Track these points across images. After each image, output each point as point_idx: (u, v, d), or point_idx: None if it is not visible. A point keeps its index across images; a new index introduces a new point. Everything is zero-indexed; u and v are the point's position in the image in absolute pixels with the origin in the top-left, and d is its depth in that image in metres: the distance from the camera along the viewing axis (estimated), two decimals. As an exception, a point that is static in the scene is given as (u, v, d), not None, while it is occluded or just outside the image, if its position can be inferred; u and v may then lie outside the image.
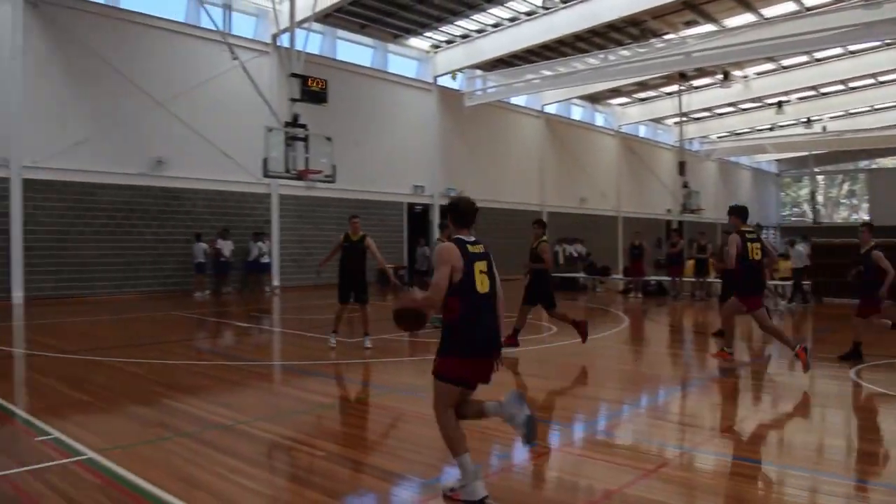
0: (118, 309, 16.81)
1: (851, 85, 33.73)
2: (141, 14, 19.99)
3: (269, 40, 22.61)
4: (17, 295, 17.66)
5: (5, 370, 9.42)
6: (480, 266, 4.54)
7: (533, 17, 24.32)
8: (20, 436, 6.14)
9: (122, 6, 19.71)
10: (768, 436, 6.41)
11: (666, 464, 5.39)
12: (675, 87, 31.11)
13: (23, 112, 17.72)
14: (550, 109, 34.37)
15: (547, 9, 23.00)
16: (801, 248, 18.87)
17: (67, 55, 18.57)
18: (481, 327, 4.46)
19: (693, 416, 7.18)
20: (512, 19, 24.88)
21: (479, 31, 26.09)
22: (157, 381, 8.32)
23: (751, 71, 31.61)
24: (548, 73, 25.49)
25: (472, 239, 4.63)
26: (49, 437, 5.89)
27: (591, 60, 24.77)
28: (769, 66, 30.75)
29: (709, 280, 20.20)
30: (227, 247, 20.97)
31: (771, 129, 41.39)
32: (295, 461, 5.48)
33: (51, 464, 5.21)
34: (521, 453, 5.69)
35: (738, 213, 9.25)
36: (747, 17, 23.93)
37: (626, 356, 11.30)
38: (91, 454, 5.39)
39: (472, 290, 4.45)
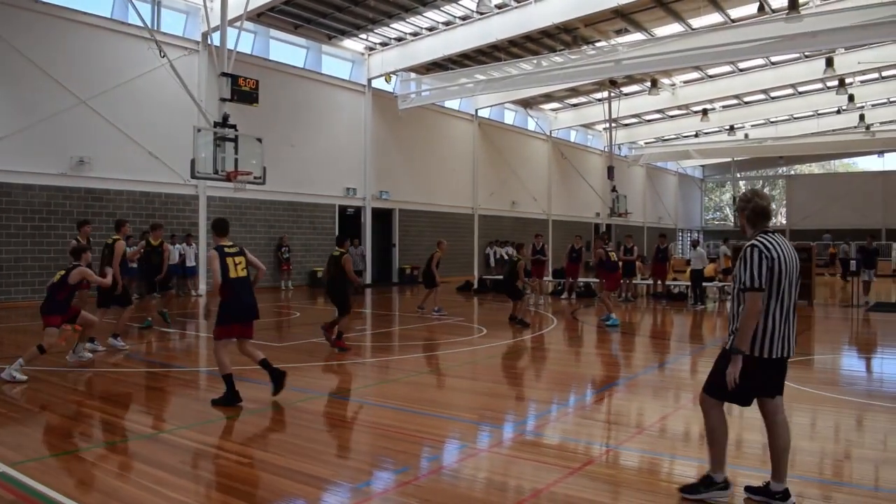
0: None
1: (773, 94, 35.02)
2: (63, 8, 19.12)
3: (199, 38, 22.08)
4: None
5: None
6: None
7: (468, 21, 24.43)
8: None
9: (43, 0, 18.93)
10: (691, 432, 6.58)
11: (591, 461, 5.50)
12: (605, 94, 31.72)
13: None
14: (484, 113, 34.52)
15: (482, 13, 23.15)
16: (702, 250, 20.15)
17: (-18, 49, 17.74)
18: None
19: (618, 414, 7.33)
20: (447, 23, 24.92)
21: (413, 35, 26.05)
22: (74, 390, 8.04)
23: (678, 79, 32.52)
24: (482, 77, 25.62)
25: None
26: (-43, 449, 5.62)
27: (525, 66, 25.01)
28: (695, 74, 31.69)
29: (636, 282, 20.66)
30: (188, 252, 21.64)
31: (696, 136, 42.67)
32: (220, 469, 5.35)
33: (-42, 477, 4.96)
34: (451, 455, 5.73)
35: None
36: (675, 28, 24.56)
37: (555, 357, 11.47)
38: (3, 468, 5.15)
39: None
